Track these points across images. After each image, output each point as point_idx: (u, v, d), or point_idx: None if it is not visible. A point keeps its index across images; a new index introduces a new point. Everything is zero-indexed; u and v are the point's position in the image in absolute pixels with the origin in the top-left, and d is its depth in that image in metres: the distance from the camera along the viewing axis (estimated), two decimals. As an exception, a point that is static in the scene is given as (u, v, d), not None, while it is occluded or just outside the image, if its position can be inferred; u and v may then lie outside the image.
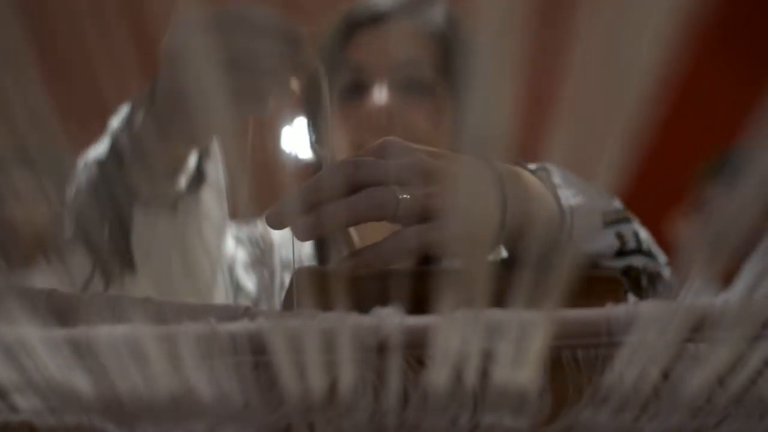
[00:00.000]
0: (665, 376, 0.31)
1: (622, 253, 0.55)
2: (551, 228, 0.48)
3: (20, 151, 0.33)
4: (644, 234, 0.60)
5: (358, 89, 0.71)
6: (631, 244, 0.56)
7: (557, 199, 0.51)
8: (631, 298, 0.46)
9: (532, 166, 0.55)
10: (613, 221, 0.56)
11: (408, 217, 0.40)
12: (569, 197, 0.53)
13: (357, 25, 0.73)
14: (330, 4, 0.76)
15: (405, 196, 0.40)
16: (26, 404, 0.32)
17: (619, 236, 0.55)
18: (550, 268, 0.29)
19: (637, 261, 0.56)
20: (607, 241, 0.54)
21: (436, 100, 0.71)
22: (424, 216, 0.40)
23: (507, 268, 0.31)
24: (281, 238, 0.78)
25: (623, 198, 0.59)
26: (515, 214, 0.44)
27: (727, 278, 0.31)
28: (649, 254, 0.57)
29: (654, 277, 0.57)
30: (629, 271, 0.56)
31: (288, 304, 0.41)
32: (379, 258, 0.40)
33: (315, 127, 0.71)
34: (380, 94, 0.69)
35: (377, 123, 0.68)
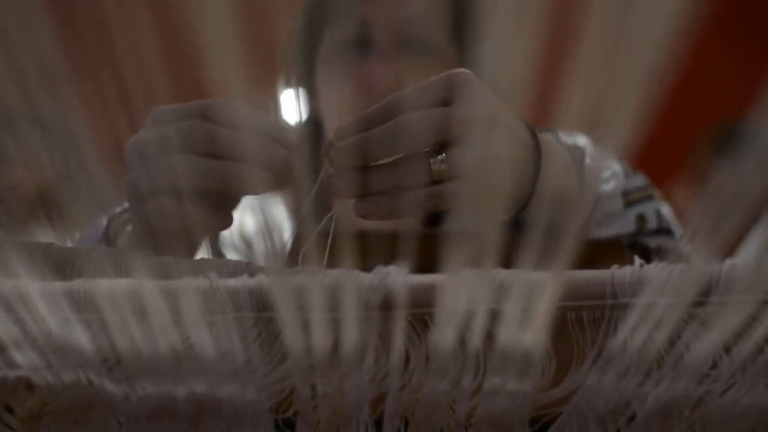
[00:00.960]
0: (671, 341, 0.31)
1: (639, 234, 0.55)
2: (577, 211, 0.47)
3: (30, 110, 0.32)
4: (666, 210, 0.59)
5: (361, 45, 0.65)
6: (652, 224, 0.56)
7: (589, 185, 0.50)
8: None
9: (568, 139, 0.54)
10: (635, 200, 0.56)
11: (442, 180, 0.40)
12: (600, 183, 0.52)
13: None
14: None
15: (441, 160, 0.40)
16: (24, 360, 0.31)
17: (640, 218, 0.55)
18: (559, 238, 0.29)
19: (651, 241, 0.56)
20: (626, 225, 0.54)
21: (446, 65, 0.63)
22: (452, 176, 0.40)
23: (515, 229, 0.30)
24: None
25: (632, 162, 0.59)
26: (545, 191, 0.43)
27: (729, 252, 0.31)
28: (668, 232, 0.57)
29: (666, 254, 0.57)
30: (635, 246, 0.56)
31: (291, 263, 0.40)
32: (390, 210, 0.40)
33: (309, 86, 0.69)
34: (387, 57, 0.64)
35: (380, 90, 0.62)
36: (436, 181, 0.40)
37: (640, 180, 0.58)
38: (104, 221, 0.50)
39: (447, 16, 0.66)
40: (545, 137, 0.46)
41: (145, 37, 0.29)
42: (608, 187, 0.54)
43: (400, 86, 0.59)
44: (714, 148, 1.69)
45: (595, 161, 0.49)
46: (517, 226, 0.40)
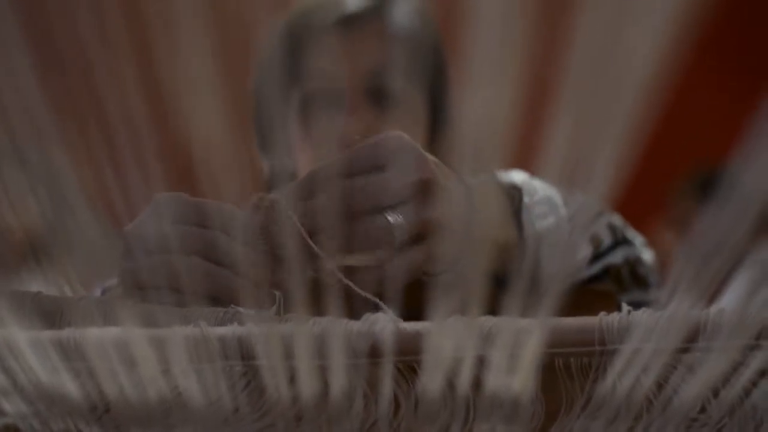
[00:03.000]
0: (659, 386, 0.31)
1: (597, 255, 0.55)
2: (507, 254, 0.46)
3: (15, 150, 0.33)
4: (617, 220, 0.59)
5: (324, 100, 0.64)
6: (607, 242, 0.55)
7: (521, 225, 0.50)
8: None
9: (504, 178, 0.53)
10: (586, 224, 0.55)
11: (404, 242, 0.39)
12: (538, 219, 0.51)
13: (322, 28, 0.65)
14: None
15: (399, 220, 0.38)
16: (11, 408, 0.31)
17: (594, 239, 0.54)
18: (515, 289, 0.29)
19: (614, 257, 0.55)
20: (580, 253, 0.54)
21: (412, 112, 0.66)
22: (421, 237, 0.39)
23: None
24: None
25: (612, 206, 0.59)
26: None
27: (712, 296, 0.31)
28: (625, 241, 0.57)
29: (633, 264, 0.56)
30: (608, 271, 0.55)
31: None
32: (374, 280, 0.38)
33: (269, 141, 0.68)
34: (357, 110, 0.63)
35: (346, 141, 0.58)
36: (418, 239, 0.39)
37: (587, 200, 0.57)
38: (98, 292, 0.49)
39: (408, 62, 0.66)
40: (487, 184, 0.45)
41: (130, 82, 0.29)
42: (545, 222, 0.53)
43: (369, 137, 0.57)
44: (695, 192, 1.69)
45: (536, 198, 0.49)
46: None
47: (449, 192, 0.40)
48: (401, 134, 0.41)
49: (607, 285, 0.55)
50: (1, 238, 0.37)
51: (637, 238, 0.60)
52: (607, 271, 0.55)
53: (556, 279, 0.29)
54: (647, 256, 0.59)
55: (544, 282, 0.29)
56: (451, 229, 0.38)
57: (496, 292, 0.30)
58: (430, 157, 0.41)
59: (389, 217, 0.38)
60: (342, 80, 0.64)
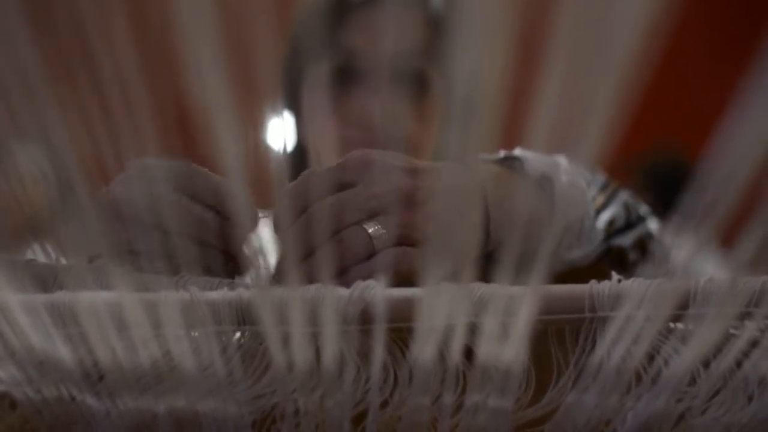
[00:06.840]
0: (650, 356, 0.31)
1: (609, 239, 0.55)
2: (537, 226, 0.46)
3: (14, 128, 0.33)
4: (629, 196, 0.59)
5: (348, 76, 0.65)
6: (620, 222, 0.56)
7: (548, 194, 0.50)
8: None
9: (544, 160, 0.53)
10: (601, 206, 0.55)
11: (386, 247, 0.39)
12: (569, 206, 0.51)
13: (353, 5, 0.66)
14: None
15: (379, 230, 0.39)
16: (4, 374, 0.31)
17: (609, 223, 0.55)
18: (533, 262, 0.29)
19: (624, 239, 0.55)
20: (595, 237, 0.54)
21: (430, 95, 0.66)
22: (403, 242, 0.39)
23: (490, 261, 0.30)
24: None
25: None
26: (498, 222, 0.43)
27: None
28: (638, 220, 0.57)
29: (645, 241, 0.56)
30: (611, 251, 0.55)
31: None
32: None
33: (296, 117, 0.69)
34: (373, 88, 0.64)
35: (367, 120, 0.63)
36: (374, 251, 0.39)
37: (599, 179, 0.58)
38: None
39: (431, 46, 0.66)
40: (494, 167, 0.45)
41: (122, 38, 0.29)
42: (574, 209, 0.53)
43: (386, 121, 0.58)
44: (643, 177, 1.62)
45: (573, 176, 0.50)
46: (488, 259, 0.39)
47: (434, 183, 0.40)
48: (367, 152, 0.41)
49: (603, 264, 0.55)
50: (3, 215, 0.38)
51: (644, 208, 0.60)
52: (609, 251, 0.55)
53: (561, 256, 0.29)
54: (654, 225, 0.59)
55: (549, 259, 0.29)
56: (441, 215, 0.39)
57: (489, 268, 0.30)
58: (409, 161, 0.42)
59: (368, 228, 0.39)
60: (365, 59, 0.65)
